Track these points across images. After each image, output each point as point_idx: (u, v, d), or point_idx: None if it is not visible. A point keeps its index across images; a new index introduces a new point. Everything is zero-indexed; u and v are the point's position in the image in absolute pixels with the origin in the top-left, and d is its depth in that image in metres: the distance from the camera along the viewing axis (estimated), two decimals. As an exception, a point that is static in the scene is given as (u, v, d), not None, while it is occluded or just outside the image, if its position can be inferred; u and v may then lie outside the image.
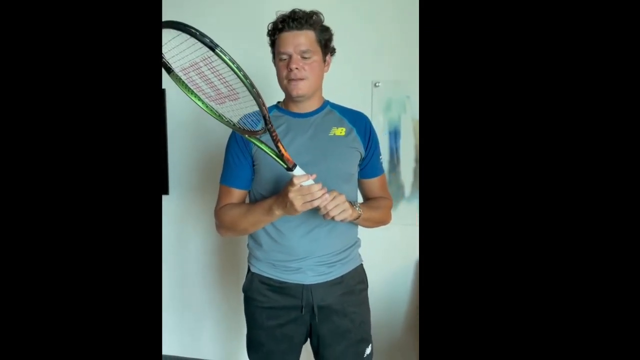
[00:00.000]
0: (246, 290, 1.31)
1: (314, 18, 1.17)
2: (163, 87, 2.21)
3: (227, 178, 1.24)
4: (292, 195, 1.00)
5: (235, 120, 1.07)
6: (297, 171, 1.03)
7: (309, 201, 1.01)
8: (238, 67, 0.88)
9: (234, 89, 0.98)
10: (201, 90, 1.02)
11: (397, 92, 2.00)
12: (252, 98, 0.93)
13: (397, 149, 2.03)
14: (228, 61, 0.86)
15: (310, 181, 1.02)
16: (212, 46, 0.85)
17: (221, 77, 0.96)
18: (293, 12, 1.16)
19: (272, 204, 1.09)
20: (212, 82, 0.99)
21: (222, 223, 1.24)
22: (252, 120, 1.10)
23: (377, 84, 2.01)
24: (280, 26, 1.16)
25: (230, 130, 1.16)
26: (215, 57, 0.87)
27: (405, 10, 1.94)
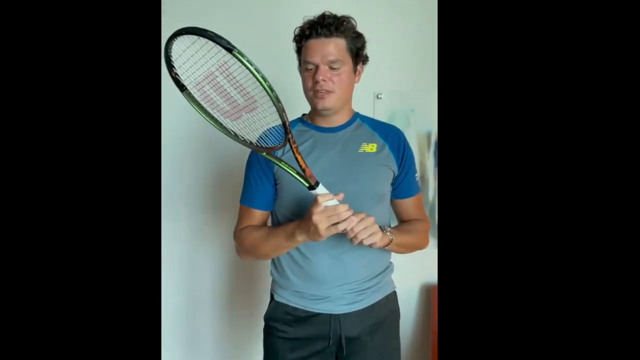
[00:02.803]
0: (268, 319, 1.22)
1: (345, 24, 1.08)
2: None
3: (247, 198, 1.17)
4: (317, 217, 0.92)
5: (253, 138, 0.99)
6: (320, 189, 0.95)
7: (335, 224, 0.93)
8: (256, 69, 0.82)
9: (252, 97, 0.90)
10: (216, 105, 0.94)
11: (401, 105, 1.92)
12: (271, 105, 0.86)
13: (400, 166, 1.90)
14: (246, 62, 0.81)
15: (334, 201, 0.94)
16: (229, 48, 0.79)
17: (238, 86, 0.89)
18: (322, 16, 1.07)
19: (295, 228, 1.01)
20: (228, 93, 0.91)
21: (241, 246, 1.17)
22: (272, 137, 1.00)
23: (379, 96, 1.93)
24: (307, 33, 1.07)
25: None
26: (233, 61, 0.82)
27: (410, 18, 1.89)
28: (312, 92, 1.09)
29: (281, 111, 0.87)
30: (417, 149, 1.91)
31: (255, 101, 0.91)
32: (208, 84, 0.90)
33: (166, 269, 2.10)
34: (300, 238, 1.00)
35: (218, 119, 0.96)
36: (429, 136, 1.90)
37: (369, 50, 1.89)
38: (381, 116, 1.91)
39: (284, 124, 0.89)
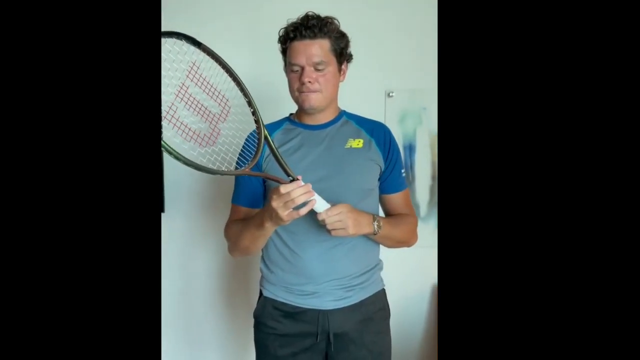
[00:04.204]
0: (258, 316, 1.23)
1: (328, 25, 1.09)
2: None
3: (236, 196, 1.21)
4: (275, 203, 0.94)
5: (233, 161, 1.04)
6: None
7: (293, 208, 0.94)
8: (223, 61, 0.90)
9: (224, 97, 0.95)
10: (192, 132, 0.95)
11: (413, 103, 1.87)
12: (245, 102, 0.94)
13: (412, 165, 1.90)
14: (214, 53, 0.87)
15: (294, 186, 0.95)
16: (198, 42, 0.85)
17: (210, 87, 0.96)
18: (306, 18, 1.09)
19: (262, 215, 1.01)
20: (200, 104, 0.93)
21: (228, 242, 1.20)
22: (252, 146, 1.03)
23: (390, 94, 1.89)
24: (291, 35, 1.09)
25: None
26: (202, 57, 0.86)
27: (422, 16, 1.83)
28: (299, 92, 1.11)
29: (252, 103, 0.95)
30: (429, 147, 1.87)
31: (227, 101, 0.94)
32: (180, 101, 0.91)
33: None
34: (268, 224, 1.00)
35: (187, 160, 0.88)
36: (441, 135, 1.86)
37: (380, 48, 1.88)
38: (393, 114, 1.89)
39: (253, 113, 0.96)
